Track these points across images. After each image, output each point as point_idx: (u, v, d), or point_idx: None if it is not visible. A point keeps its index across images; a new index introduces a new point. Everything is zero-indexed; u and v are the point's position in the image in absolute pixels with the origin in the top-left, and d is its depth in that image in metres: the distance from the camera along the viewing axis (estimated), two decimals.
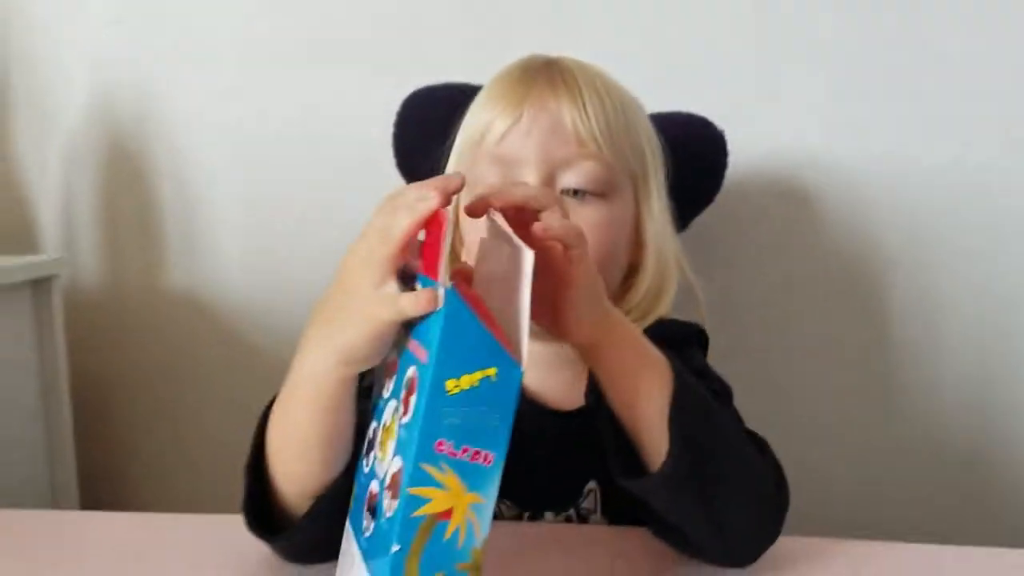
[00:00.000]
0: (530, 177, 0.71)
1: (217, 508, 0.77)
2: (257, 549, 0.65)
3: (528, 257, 0.46)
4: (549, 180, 0.71)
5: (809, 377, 1.14)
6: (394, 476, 0.45)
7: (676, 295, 0.79)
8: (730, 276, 1.11)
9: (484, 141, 0.74)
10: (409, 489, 0.44)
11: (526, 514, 0.76)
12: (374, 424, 0.51)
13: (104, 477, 1.33)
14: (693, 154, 0.86)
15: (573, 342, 0.58)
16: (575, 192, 0.72)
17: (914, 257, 1.10)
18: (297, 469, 0.58)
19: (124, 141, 1.27)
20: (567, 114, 0.71)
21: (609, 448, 0.61)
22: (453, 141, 0.81)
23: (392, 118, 1.00)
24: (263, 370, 1.23)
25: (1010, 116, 1.07)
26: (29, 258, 1.21)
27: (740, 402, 0.74)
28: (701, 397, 0.61)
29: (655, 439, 0.57)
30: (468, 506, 0.45)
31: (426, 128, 0.95)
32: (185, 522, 0.73)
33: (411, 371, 0.46)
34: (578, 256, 0.54)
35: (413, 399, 0.45)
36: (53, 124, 1.29)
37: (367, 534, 0.47)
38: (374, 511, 0.46)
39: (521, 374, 0.46)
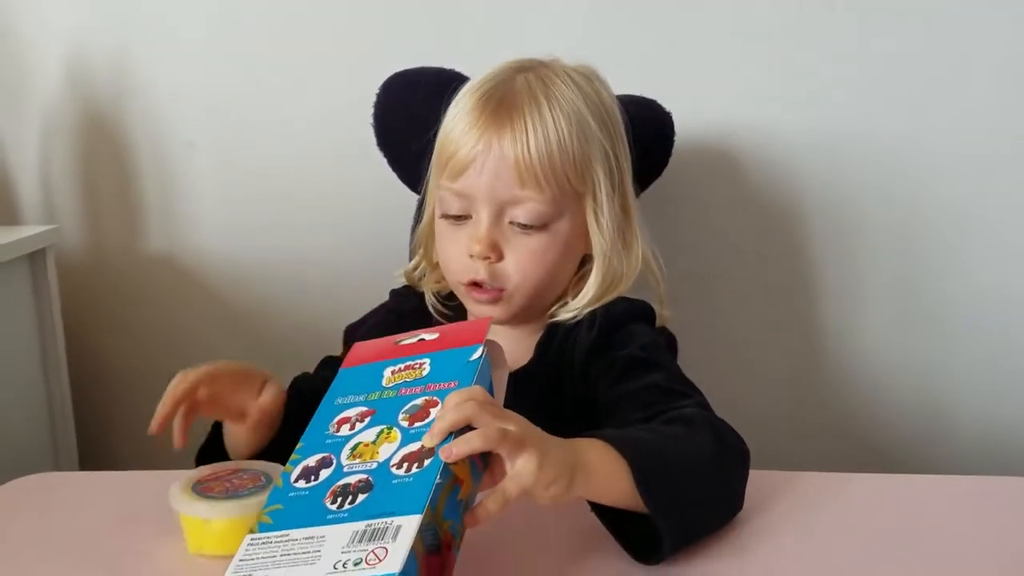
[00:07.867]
0: (483, 212, 0.83)
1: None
2: None
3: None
4: (499, 214, 0.83)
5: (744, 317, 1.26)
6: (411, 454, 0.60)
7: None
8: (674, 236, 1.21)
9: (448, 167, 0.84)
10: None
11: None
12: (323, 454, 0.63)
13: (100, 438, 1.39)
14: (640, 136, 0.92)
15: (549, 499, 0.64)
16: (521, 225, 0.83)
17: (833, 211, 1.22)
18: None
19: (101, 114, 1.30)
20: (512, 157, 0.81)
21: (616, 536, 0.70)
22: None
23: (366, 93, 1.04)
24: (239, 326, 1.32)
25: (920, 98, 1.18)
26: (23, 230, 1.24)
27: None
28: (651, 453, 0.68)
29: (638, 505, 0.67)
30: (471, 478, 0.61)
31: (407, 111, 1.02)
32: (170, 478, 0.76)
33: (420, 400, 0.64)
34: (509, 453, 0.61)
35: (435, 410, 0.62)
36: (30, 97, 1.32)
37: (351, 506, 0.58)
38: (357, 490, 0.59)
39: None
